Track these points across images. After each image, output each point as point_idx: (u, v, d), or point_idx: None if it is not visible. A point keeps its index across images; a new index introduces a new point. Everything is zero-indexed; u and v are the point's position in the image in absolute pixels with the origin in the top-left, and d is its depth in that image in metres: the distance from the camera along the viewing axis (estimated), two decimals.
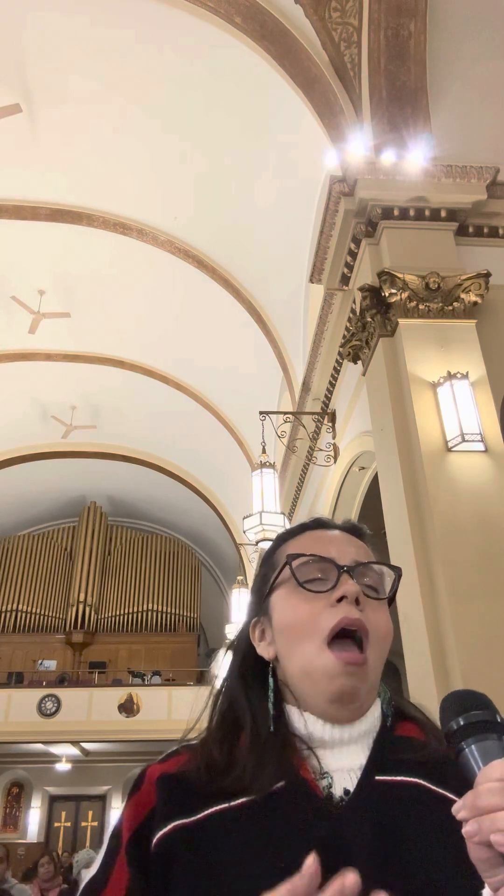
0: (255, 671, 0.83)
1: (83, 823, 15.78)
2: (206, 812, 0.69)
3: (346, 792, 0.72)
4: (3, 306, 9.63)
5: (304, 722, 0.76)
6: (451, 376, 3.99)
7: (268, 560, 0.88)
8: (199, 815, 0.69)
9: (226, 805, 0.70)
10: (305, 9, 5.09)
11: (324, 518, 0.90)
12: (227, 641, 0.90)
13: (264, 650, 0.83)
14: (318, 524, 0.88)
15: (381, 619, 0.79)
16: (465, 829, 0.54)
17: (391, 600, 0.83)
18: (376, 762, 0.74)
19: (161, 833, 0.69)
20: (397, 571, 0.83)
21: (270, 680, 0.81)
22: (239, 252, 7.91)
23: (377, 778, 0.72)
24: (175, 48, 6.15)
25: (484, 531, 3.63)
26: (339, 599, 0.76)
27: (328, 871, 0.63)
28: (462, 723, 0.61)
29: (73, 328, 10.22)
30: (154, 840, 0.69)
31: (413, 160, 4.67)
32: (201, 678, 15.81)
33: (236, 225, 7.56)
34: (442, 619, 3.42)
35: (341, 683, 0.74)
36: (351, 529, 0.88)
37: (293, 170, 6.43)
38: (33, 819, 15.57)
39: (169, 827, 0.69)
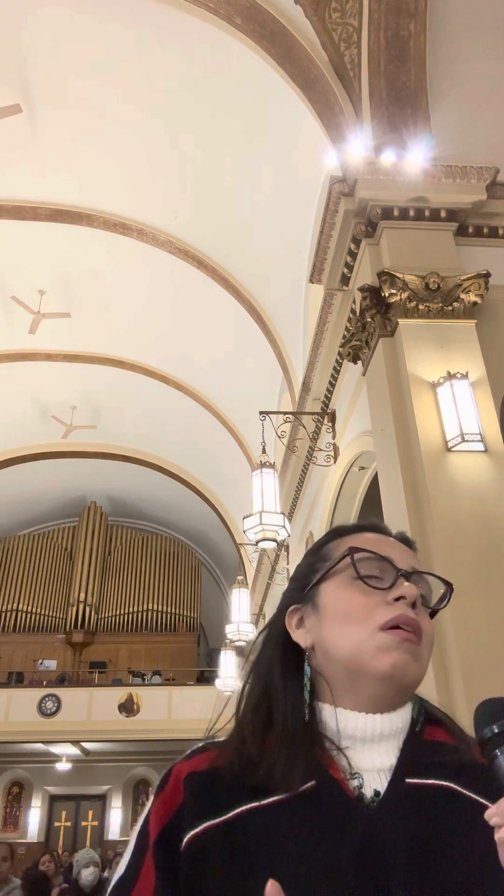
0: (290, 659, 0.83)
1: (83, 823, 15.81)
2: (235, 811, 0.69)
3: (377, 793, 0.71)
4: (3, 306, 9.63)
5: (335, 718, 0.76)
6: (450, 376, 3.99)
7: (317, 551, 0.88)
8: (228, 815, 0.69)
9: (256, 804, 0.69)
10: (305, 9, 5.09)
11: (380, 523, 0.92)
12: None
13: (301, 637, 0.83)
14: (375, 527, 0.90)
15: (429, 626, 0.81)
16: (499, 836, 0.55)
17: (433, 613, 0.84)
18: (406, 764, 0.74)
19: (192, 833, 0.68)
20: (449, 587, 0.85)
21: (307, 667, 0.81)
22: (239, 252, 7.91)
23: (408, 780, 0.72)
24: (175, 48, 6.15)
25: (484, 531, 3.63)
26: (397, 599, 0.78)
27: (364, 873, 0.63)
28: (496, 730, 0.61)
29: (73, 328, 10.22)
30: (185, 840, 0.68)
31: (413, 160, 4.67)
32: (201, 678, 15.84)
33: (236, 225, 7.56)
34: (442, 619, 3.42)
35: (396, 656, 0.74)
36: (403, 540, 0.89)
37: (293, 170, 6.42)
38: (33, 818, 15.61)
39: (200, 827, 0.68)
